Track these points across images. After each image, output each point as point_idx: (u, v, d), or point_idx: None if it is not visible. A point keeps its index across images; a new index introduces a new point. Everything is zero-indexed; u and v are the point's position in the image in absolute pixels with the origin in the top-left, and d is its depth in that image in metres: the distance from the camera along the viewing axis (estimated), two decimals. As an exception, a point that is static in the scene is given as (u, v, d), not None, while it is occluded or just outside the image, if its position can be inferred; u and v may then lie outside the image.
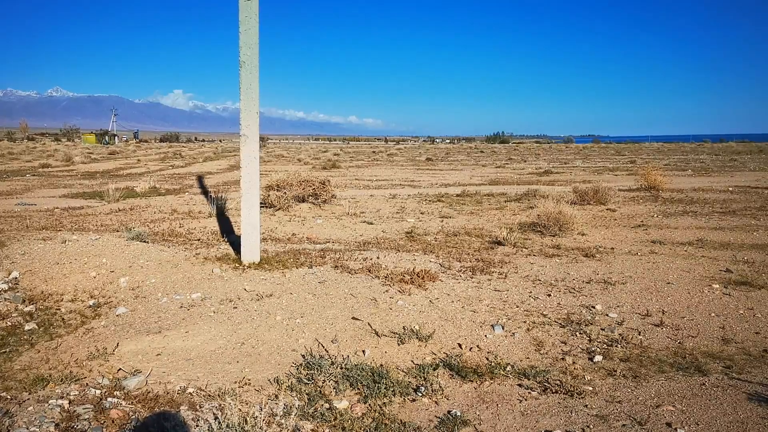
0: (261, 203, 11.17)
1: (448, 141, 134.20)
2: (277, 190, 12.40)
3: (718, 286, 6.81)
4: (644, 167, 20.60)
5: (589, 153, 55.77)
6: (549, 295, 6.54)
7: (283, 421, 3.45)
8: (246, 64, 7.10)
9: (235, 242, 8.10)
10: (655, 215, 12.40)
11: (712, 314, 5.91)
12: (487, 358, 4.89)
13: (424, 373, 4.51)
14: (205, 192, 16.93)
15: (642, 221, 11.71)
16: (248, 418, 3.24)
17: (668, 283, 6.97)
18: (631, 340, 5.26)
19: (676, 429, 3.58)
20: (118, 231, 9.64)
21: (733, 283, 6.92)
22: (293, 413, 3.56)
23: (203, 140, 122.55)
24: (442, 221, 11.87)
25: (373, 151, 58.33)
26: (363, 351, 5.01)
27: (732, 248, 9.04)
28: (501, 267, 7.74)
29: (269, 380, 4.44)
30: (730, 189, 17.40)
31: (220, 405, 3.82)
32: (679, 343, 5.21)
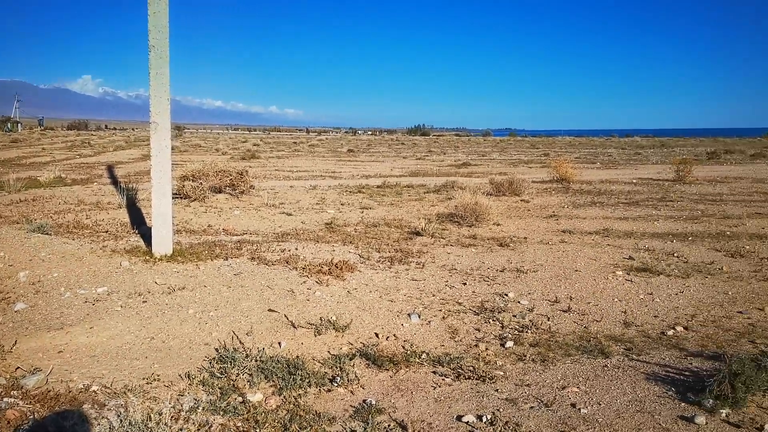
0: (176, 194, 10.77)
1: (370, 132, 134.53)
2: (193, 181, 11.99)
3: (621, 272, 7.19)
4: (556, 160, 21.40)
5: (505, 146, 57.35)
6: (464, 284, 6.69)
7: (190, 416, 3.34)
8: (155, 48, 6.80)
9: (147, 234, 7.78)
10: (566, 206, 12.93)
11: (616, 299, 6.23)
12: (404, 347, 4.94)
13: (340, 364, 4.50)
14: (115, 182, 16.17)
15: (553, 212, 12.18)
16: (152, 415, 3.11)
17: (576, 271, 7.29)
18: (540, 325, 5.46)
19: (579, 409, 3.74)
20: (18, 223, 9.05)
21: (635, 269, 7.32)
22: (201, 407, 3.46)
23: (114, 128, 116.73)
24: (362, 212, 11.89)
25: (294, 142, 57.60)
26: (279, 343, 4.94)
27: (635, 237, 9.56)
28: (419, 257, 7.84)
29: (180, 375, 4.29)
30: (634, 181, 18.40)
31: (124, 403, 3.66)
32: (585, 327, 5.45)
